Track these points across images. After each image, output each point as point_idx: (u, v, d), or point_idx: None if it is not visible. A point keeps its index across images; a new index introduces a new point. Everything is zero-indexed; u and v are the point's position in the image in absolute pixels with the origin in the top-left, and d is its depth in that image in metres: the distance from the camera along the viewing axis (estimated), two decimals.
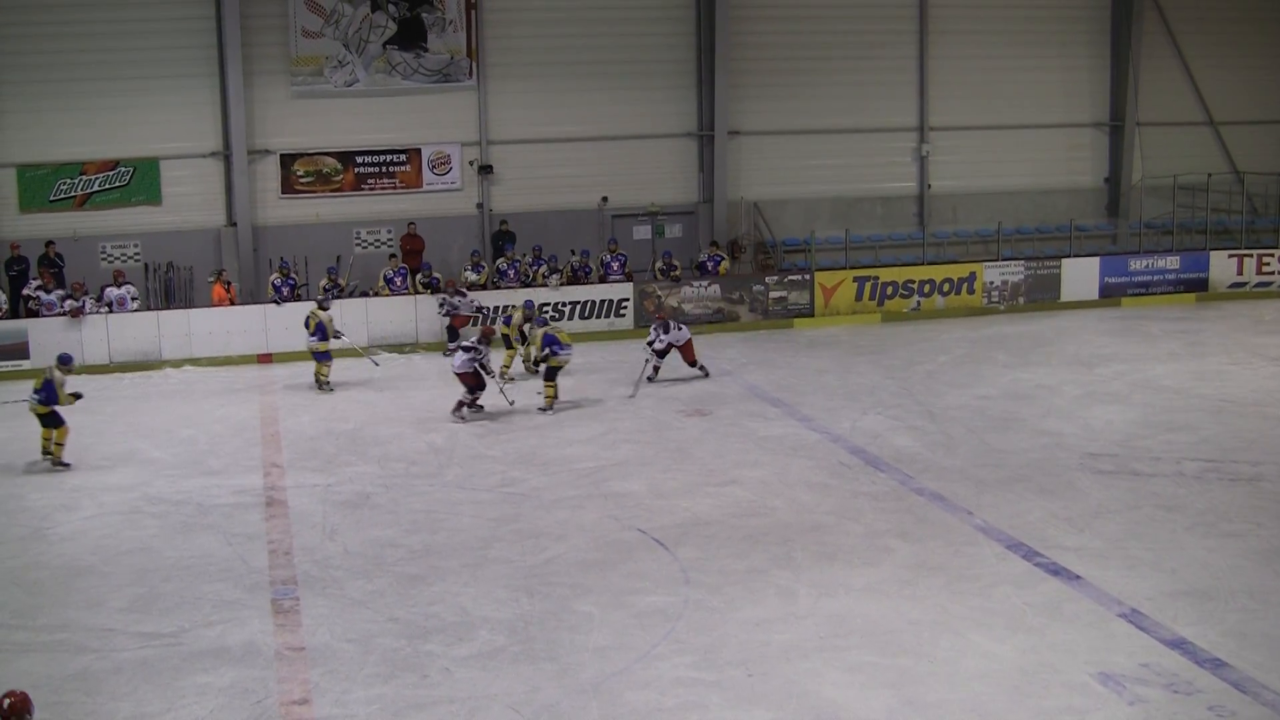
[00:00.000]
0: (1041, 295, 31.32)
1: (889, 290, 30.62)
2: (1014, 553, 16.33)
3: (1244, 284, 33.00)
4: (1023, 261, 31.56)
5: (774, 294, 30.38)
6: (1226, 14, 35.96)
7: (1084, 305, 31.46)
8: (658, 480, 19.25)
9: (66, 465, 20.49)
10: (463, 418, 22.81)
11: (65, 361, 21.04)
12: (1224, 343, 27.95)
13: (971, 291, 30.90)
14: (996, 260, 31.49)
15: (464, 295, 28.32)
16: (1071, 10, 34.59)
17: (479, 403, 23.13)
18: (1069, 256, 32.09)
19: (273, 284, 28.53)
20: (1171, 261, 32.70)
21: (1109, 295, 31.98)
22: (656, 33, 32.58)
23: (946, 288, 30.74)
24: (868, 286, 30.61)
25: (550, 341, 23.47)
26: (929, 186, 33.60)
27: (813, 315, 30.23)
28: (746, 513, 17.79)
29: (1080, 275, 31.82)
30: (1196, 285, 32.77)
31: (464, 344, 23.40)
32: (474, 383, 22.93)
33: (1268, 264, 33.16)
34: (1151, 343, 28.09)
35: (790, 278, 30.55)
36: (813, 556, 16.10)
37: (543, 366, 23.82)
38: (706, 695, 12.55)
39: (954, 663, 13.29)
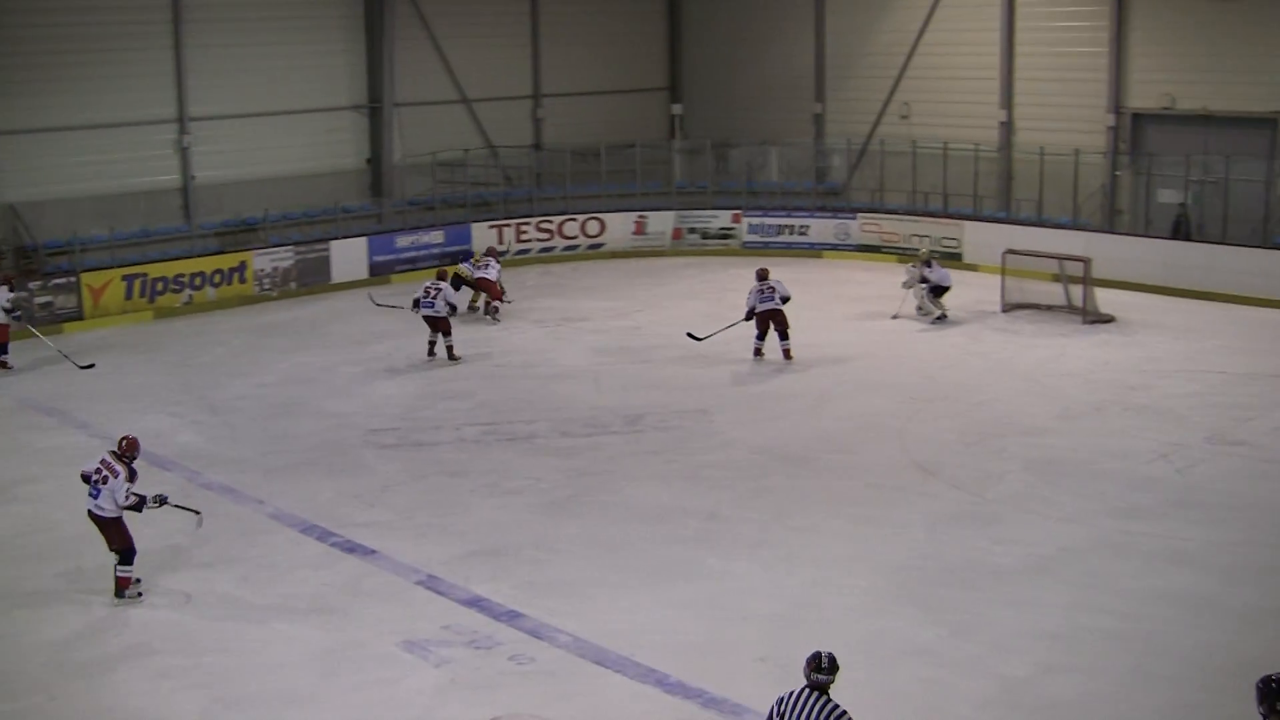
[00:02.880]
0: (313, 279, 31.44)
1: (159, 286, 29.77)
2: (309, 535, 16.46)
3: (505, 252, 34.48)
4: (292, 247, 31.55)
5: (39, 299, 28.84)
6: None
7: (355, 285, 31.81)
8: None
9: None
10: None
11: None
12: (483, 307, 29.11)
13: (243, 280, 30.60)
14: (266, 247, 31.35)
15: None
16: None
17: None
18: (337, 238, 32.37)
19: None
20: (436, 236, 33.68)
21: (379, 273, 32.54)
22: None
23: (217, 279, 30.25)
24: (137, 284, 29.65)
25: None
26: (193, 178, 32.86)
27: (83, 318, 28.93)
28: (31, 530, 16.94)
29: (349, 256, 32.19)
30: (462, 257, 33.77)
31: None
32: None
33: (525, 232, 34.84)
34: (395, 317, 28.76)
35: (55, 281, 29.06)
36: (101, 567, 15.50)
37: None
38: None
39: (260, 653, 13.27)
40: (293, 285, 31.06)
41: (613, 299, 30.03)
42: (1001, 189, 34.14)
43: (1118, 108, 32.10)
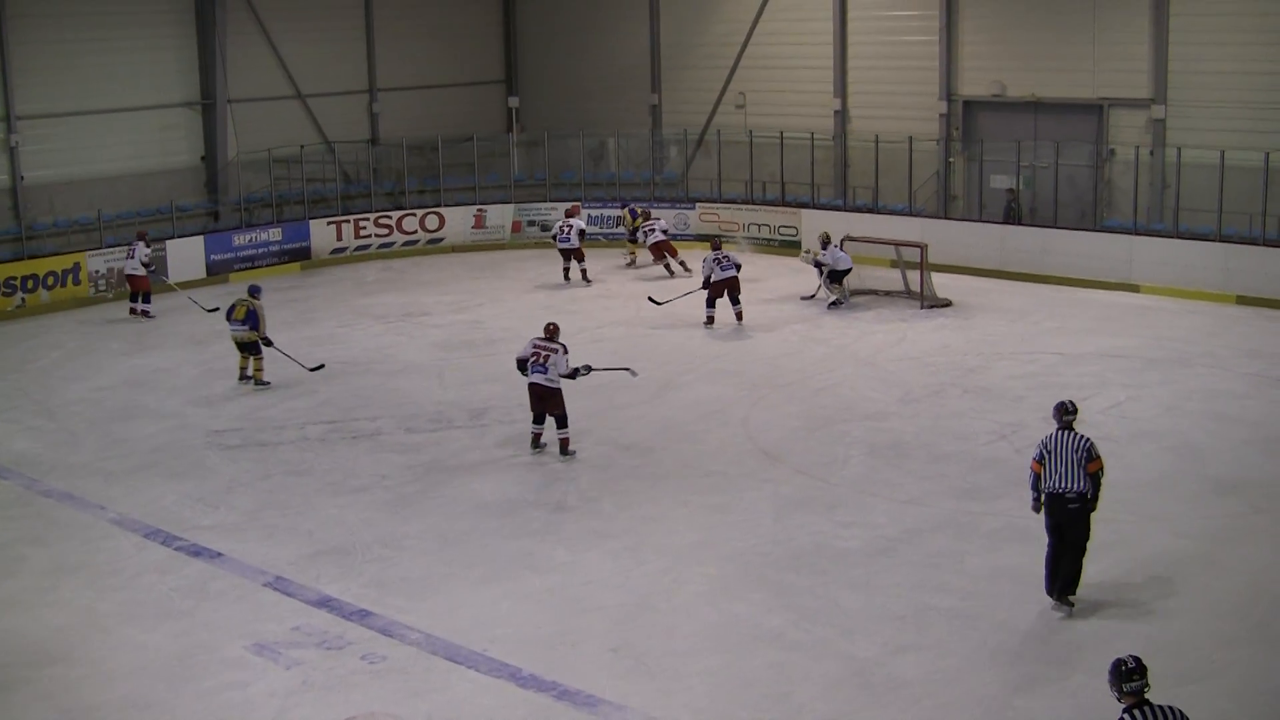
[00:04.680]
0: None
1: None
2: (153, 540, 16.20)
3: (344, 249, 34.22)
4: (125, 247, 30.87)
5: None
6: None
7: (192, 284, 31.21)
8: None
9: (268, 384, 22.85)
10: None
11: (256, 293, 23.23)
12: (333, 308, 28.87)
13: (77, 282, 29.97)
14: (100, 248, 30.71)
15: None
16: None
17: None
18: (173, 238, 31.80)
19: None
20: (274, 233, 33.28)
21: (216, 272, 32.04)
22: None
23: (51, 281, 29.57)
24: None
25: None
26: (23, 178, 32.06)
27: None
28: None
29: (186, 254, 31.61)
30: (300, 254, 33.58)
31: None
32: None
33: (364, 228, 34.58)
34: (265, 313, 28.41)
35: None
36: None
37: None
38: None
39: (108, 661, 13.07)
40: (126, 287, 30.45)
41: (453, 293, 29.95)
42: (838, 177, 34.64)
43: (949, 95, 32.73)
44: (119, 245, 30.70)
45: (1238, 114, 28.27)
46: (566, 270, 30.85)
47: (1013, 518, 16.03)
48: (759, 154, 34.97)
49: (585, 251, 30.87)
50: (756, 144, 34.98)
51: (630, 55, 38.92)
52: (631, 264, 32.37)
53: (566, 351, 18.81)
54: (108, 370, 24.34)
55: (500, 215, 35.75)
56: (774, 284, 29.29)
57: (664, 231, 31.43)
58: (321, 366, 23.43)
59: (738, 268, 25.99)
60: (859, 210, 32.84)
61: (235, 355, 23.65)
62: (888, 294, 28.11)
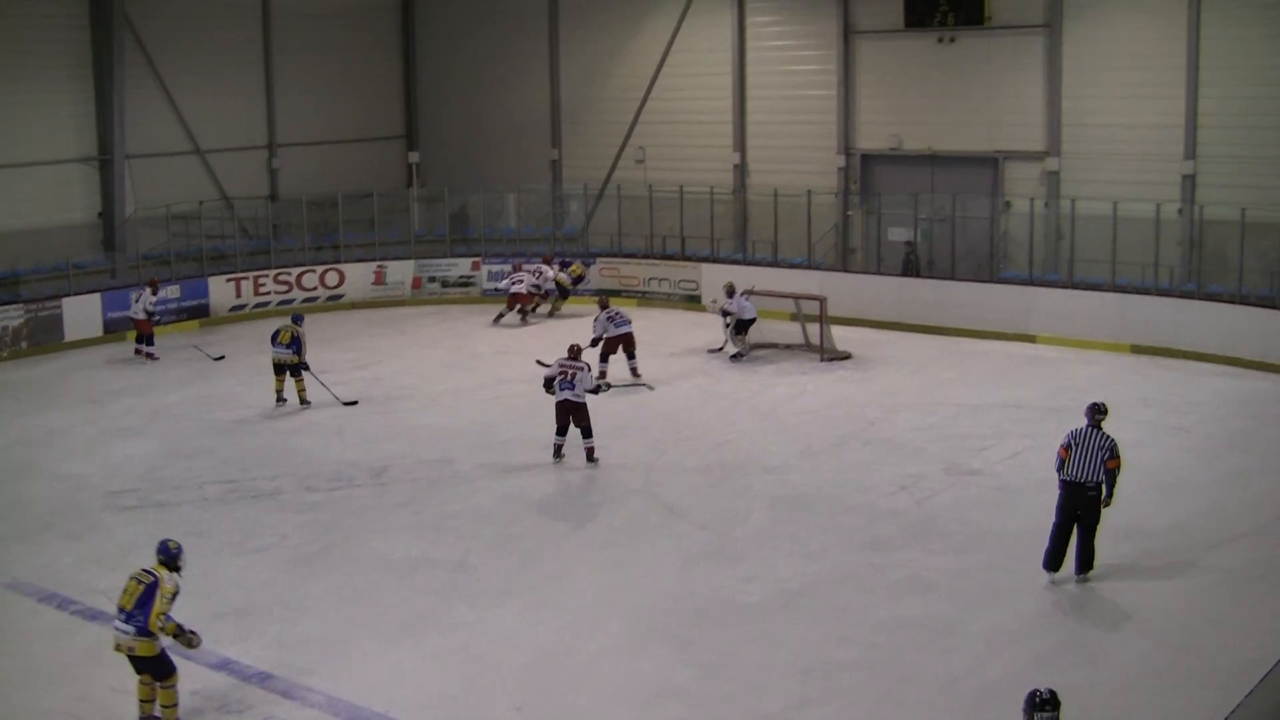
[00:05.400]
0: (44, 338, 30.38)
1: None
2: (48, 604, 15.92)
3: (244, 305, 33.92)
4: (21, 305, 30.45)
5: None
6: (205, 45, 36.46)
7: (89, 343, 30.83)
8: None
9: (309, 403, 24.83)
10: None
11: (300, 320, 25.27)
12: (232, 366, 28.49)
13: None
14: None
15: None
16: (49, 44, 33.49)
17: None
18: (69, 295, 31.36)
19: None
20: (172, 291, 32.92)
21: (113, 330, 31.55)
22: None
23: None
24: None
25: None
26: None
27: None
28: None
29: (83, 313, 31.18)
30: (199, 311, 33.24)
31: None
32: None
33: (264, 285, 34.29)
34: (162, 371, 28.13)
35: None
36: None
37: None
38: None
39: None
40: (23, 345, 30.00)
41: (354, 350, 29.76)
42: (737, 231, 34.88)
43: (847, 149, 33.12)
44: (13, 303, 30.23)
45: (1129, 166, 28.90)
46: (502, 314, 32.54)
47: (916, 569, 16.15)
48: (659, 208, 35.16)
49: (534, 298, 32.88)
50: (656, 198, 35.17)
51: (530, 110, 39.04)
52: (533, 309, 32.97)
53: (590, 369, 21.13)
54: (1, 430, 23.90)
55: (400, 271, 35.64)
56: (674, 339, 29.40)
57: (533, 286, 32.89)
58: (355, 403, 24.87)
59: (629, 323, 26.21)
60: (759, 264, 33.05)
61: (133, 415, 23.30)
62: (788, 347, 28.29)
